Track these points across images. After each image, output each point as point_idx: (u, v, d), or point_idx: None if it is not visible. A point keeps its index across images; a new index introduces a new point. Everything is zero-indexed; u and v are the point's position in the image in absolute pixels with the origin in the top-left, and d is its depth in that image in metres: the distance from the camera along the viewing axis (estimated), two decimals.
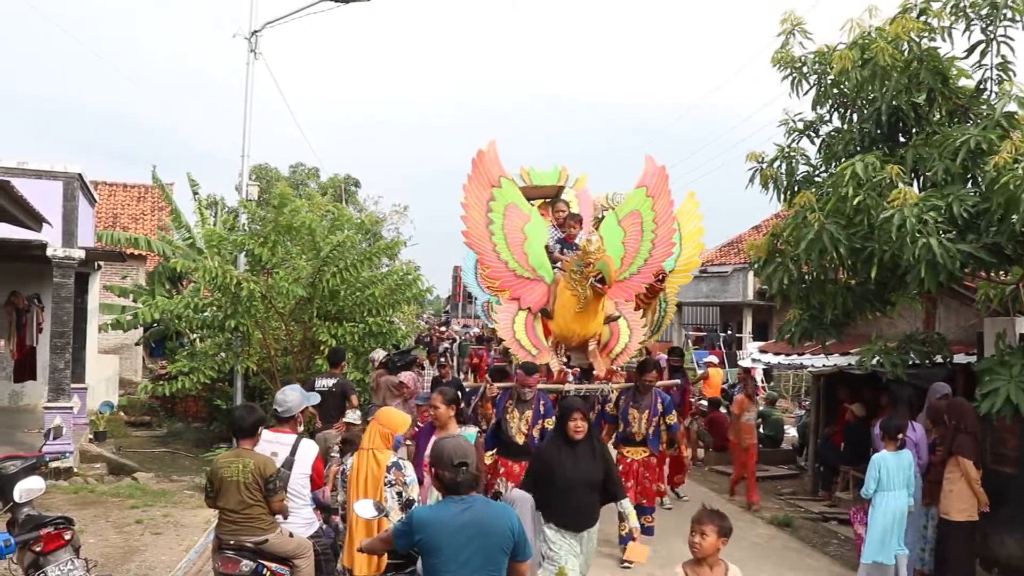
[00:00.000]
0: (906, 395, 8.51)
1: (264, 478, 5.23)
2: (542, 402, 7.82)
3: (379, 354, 11.39)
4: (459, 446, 3.84)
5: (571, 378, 8.51)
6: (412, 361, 11.05)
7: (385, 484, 5.14)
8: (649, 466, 8.71)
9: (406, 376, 10.33)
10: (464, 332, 33.89)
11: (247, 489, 5.21)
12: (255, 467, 5.24)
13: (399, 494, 5.15)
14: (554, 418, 6.97)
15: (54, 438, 7.67)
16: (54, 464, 10.57)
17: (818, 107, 8.84)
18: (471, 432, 6.89)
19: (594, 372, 8.73)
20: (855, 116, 8.62)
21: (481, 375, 17.58)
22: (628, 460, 8.60)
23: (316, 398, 6.41)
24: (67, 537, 5.66)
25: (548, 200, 10.46)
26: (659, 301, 10.19)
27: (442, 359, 13.16)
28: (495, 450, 7.92)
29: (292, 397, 5.97)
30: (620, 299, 9.01)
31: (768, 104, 61.97)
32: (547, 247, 8.91)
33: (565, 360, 8.99)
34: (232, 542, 5.29)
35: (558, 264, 8.68)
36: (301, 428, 6.25)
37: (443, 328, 34.94)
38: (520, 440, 7.74)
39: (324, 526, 6.34)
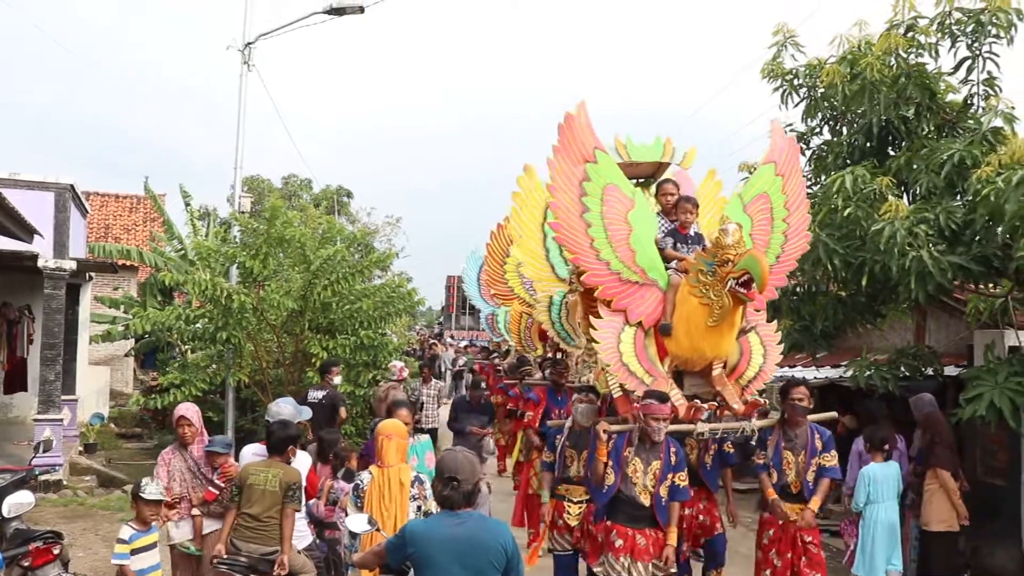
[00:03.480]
0: (882, 410, 8.53)
1: (288, 486, 5.45)
2: (672, 449, 5.96)
3: (398, 365, 11.38)
4: (455, 460, 3.81)
5: (704, 415, 6.11)
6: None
7: (410, 499, 5.21)
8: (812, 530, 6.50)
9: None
10: (455, 344, 33.30)
11: (271, 497, 5.41)
12: (283, 476, 5.47)
13: (419, 508, 5.21)
14: (685, 471, 5.89)
15: (43, 451, 7.66)
16: (43, 477, 10.51)
17: (808, 119, 8.94)
18: (424, 440, 6.88)
19: (722, 404, 6.41)
20: (845, 129, 8.71)
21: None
22: (779, 522, 6.48)
23: (308, 412, 6.46)
24: (56, 552, 5.66)
25: (642, 181, 8.13)
26: None
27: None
28: (601, 513, 6.07)
29: (286, 410, 6.03)
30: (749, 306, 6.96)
31: (760, 116, 62.28)
32: (656, 241, 6.69)
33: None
34: (242, 551, 5.40)
35: (672, 263, 6.54)
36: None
37: (435, 340, 34.72)
38: (645, 500, 5.81)
39: (317, 540, 6.33)
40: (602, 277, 6.17)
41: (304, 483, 5.81)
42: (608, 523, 5.91)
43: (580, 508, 6.89)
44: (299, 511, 5.64)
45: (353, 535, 5.03)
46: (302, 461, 5.94)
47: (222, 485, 5.93)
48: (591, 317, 6.37)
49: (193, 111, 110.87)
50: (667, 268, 6.41)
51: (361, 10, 13.20)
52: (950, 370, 8.58)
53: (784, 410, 6.66)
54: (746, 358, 6.53)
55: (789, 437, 6.53)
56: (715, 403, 6.18)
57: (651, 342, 6.26)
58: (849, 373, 8.25)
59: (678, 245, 6.55)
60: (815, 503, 6.38)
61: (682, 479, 5.88)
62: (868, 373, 8.11)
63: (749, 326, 6.52)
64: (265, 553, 5.39)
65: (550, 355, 10.75)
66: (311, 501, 6.24)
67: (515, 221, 8.02)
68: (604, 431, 5.89)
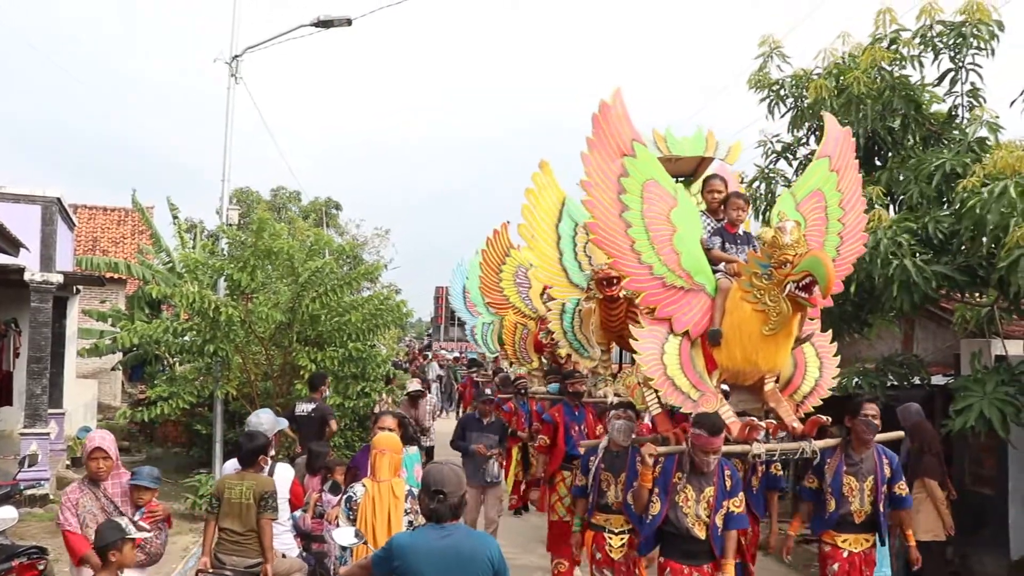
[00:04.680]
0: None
1: (260, 496, 5.41)
2: (727, 471, 5.35)
3: (414, 385, 11.30)
4: (441, 473, 3.79)
5: (760, 435, 5.57)
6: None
7: (404, 512, 5.19)
8: (870, 561, 5.89)
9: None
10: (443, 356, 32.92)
11: (248, 510, 5.39)
12: (256, 488, 5.43)
13: (410, 523, 5.19)
14: (740, 496, 5.40)
15: (29, 466, 7.60)
16: (29, 492, 10.42)
17: (795, 130, 8.99)
18: (413, 452, 6.82)
19: (773, 421, 5.80)
20: None
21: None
22: (843, 554, 5.80)
23: (284, 423, 6.46)
24: (41, 567, 5.64)
25: (683, 179, 7.51)
26: None
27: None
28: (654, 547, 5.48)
29: (265, 419, 6.03)
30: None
31: (746, 127, 62.55)
32: (701, 242, 6.02)
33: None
34: (226, 564, 5.38)
35: (720, 266, 5.95)
36: (273, 452, 6.29)
37: (426, 352, 34.53)
38: (700, 532, 5.22)
39: (304, 553, 6.31)
40: (644, 282, 5.62)
41: (279, 492, 5.78)
42: (661, 560, 5.38)
43: (622, 539, 6.26)
44: (275, 519, 5.61)
45: (344, 547, 5.01)
46: (283, 474, 5.92)
47: (148, 529, 5.07)
48: (631, 326, 5.88)
49: (182, 123, 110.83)
50: (715, 271, 5.86)
51: (349, 23, 13.23)
52: (937, 379, 8.62)
53: (849, 429, 5.87)
54: (800, 371, 6.02)
55: (852, 460, 5.77)
56: (772, 421, 5.63)
57: (698, 353, 5.67)
58: (835, 382, 8.20)
59: (726, 245, 5.98)
60: (911, 539, 5.96)
61: (737, 505, 5.33)
62: (856, 380, 8.14)
63: (806, 335, 5.89)
64: (249, 565, 5.41)
65: (552, 366, 10.63)
66: (296, 513, 6.21)
67: (528, 220, 7.66)
68: (651, 455, 5.30)
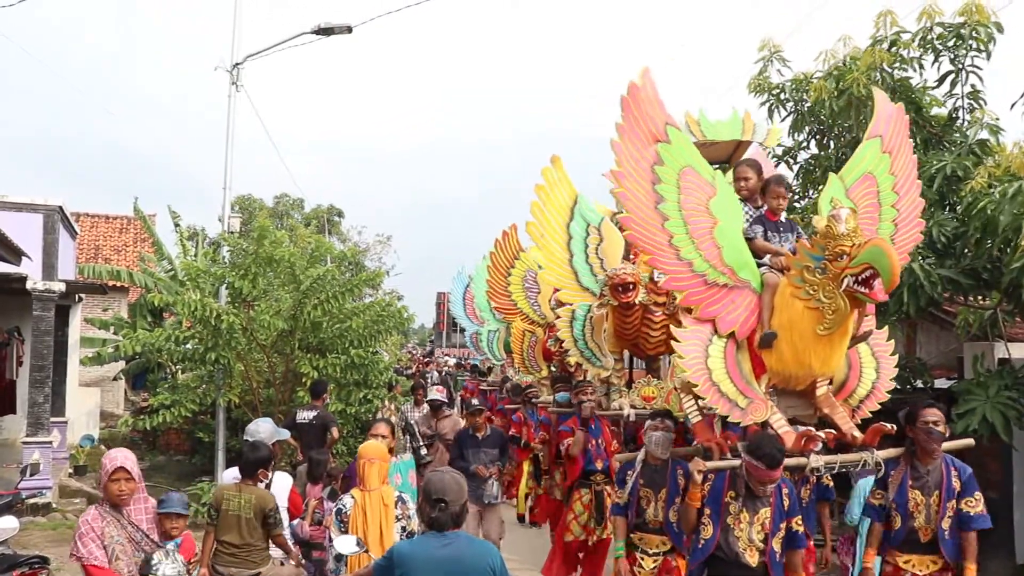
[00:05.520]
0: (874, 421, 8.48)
1: (264, 513, 5.35)
2: (784, 490, 4.81)
3: (434, 394, 10.50)
4: (442, 482, 3.78)
5: (818, 446, 5.03)
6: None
7: (396, 519, 5.19)
8: None
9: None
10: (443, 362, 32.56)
11: (247, 524, 5.33)
12: (256, 502, 5.36)
13: (403, 528, 5.17)
14: (800, 517, 4.90)
15: (31, 475, 7.60)
16: (32, 501, 10.43)
17: (795, 133, 8.98)
18: (408, 458, 6.75)
19: (832, 431, 5.22)
20: (832, 143, 8.76)
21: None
22: None
23: (286, 433, 6.43)
24: None
25: (718, 165, 6.70)
26: None
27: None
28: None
29: (264, 428, 5.99)
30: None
31: None
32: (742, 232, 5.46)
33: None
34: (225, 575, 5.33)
35: (765, 259, 5.43)
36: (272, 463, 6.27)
37: (428, 359, 34.42)
38: (752, 559, 4.70)
39: (304, 561, 6.28)
40: (684, 280, 5.13)
41: (280, 505, 5.77)
42: None
43: (656, 561, 5.77)
44: (283, 532, 5.60)
45: (338, 558, 4.99)
46: (280, 483, 5.90)
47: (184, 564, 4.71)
48: (672, 328, 5.40)
49: (184, 131, 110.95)
50: (759, 265, 5.34)
51: (349, 30, 13.25)
52: (940, 382, 8.59)
53: (912, 438, 5.22)
54: (855, 373, 5.49)
55: (918, 473, 5.15)
56: (830, 431, 5.10)
57: (744, 357, 5.17)
58: (893, 384, 8.01)
59: (769, 234, 5.52)
60: (971, 573, 5.02)
61: (799, 523, 4.81)
62: None
63: (863, 333, 5.29)
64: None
65: (562, 374, 9.99)
66: (294, 521, 6.19)
67: (537, 218, 7.26)
68: (700, 471, 4.77)
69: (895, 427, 5.10)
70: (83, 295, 15.13)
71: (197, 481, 11.64)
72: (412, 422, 7.06)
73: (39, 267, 11.21)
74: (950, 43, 7.60)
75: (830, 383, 5.25)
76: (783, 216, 5.52)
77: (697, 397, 5.18)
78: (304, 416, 9.12)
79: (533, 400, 11.02)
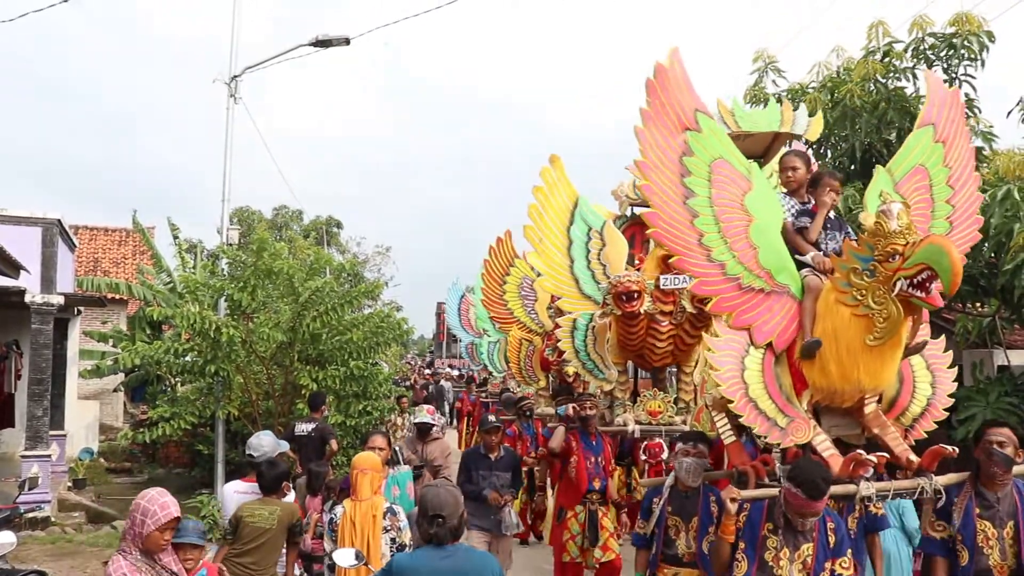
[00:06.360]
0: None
1: (290, 523, 5.44)
2: (830, 524, 4.28)
3: (423, 415, 9.65)
4: (438, 496, 3.79)
5: (868, 472, 4.40)
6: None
7: (383, 531, 5.19)
8: None
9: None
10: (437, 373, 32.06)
11: (271, 535, 5.36)
12: (281, 514, 5.41)
13: (392, 540, 5.17)
14: (849, 555, 4.28)
15: (29, 488, 7.59)
16: (31, 514, 10.40)
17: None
18: (406, 470, 6.71)
19: (885, 455, 4.52)
20: (829, 152, 8.79)
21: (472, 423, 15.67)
22: None
23: (286, 445, 6.44)
24: None
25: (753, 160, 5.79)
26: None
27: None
28: None
29: (266, 442, 6.00)
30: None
31: None
32: (785, 227, 4.88)
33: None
34: None
35: (809, 259, 4.81)
36: None
37: (425, 371, 34.31)
38: None
39: (304, 574, 6.29)
40: (715, 284, 4.58)
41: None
42: None
43: None
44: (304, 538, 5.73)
45: (331, 568, 4.99)
46: (287, 497, 5.93)
47: None
48: (706, 336, 4.98)
49: (182, 143, 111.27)
50: (799, 266, 4.78)
51: (347, 42, 13.28)
52: None
53: (978, 461, 4.52)
54: (908, 388, 4.90)
55: (986, 501, 4.41)
56: (883, 455, 4.44)
57: (784, 370, 4.62)
58: (951, 401, 7.79)
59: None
60: None
61: (845, 566, 4.22)
62: None
63: (917, 344, 4.66)
64: None
65: (561, 386, 9.76)
66: None
67: (535, 222, 6.93)
68: (733, 499, 4.26)
69: (956, 450, 4.50)
70: (82, 308, 15.13)
71: (197, 494, 11.61)
72: (395, 448, 6.51)
73: (38, 280, 11.22)
74: (942, 53, 7.66)
75: (880, 400, 4.72)
76: (832, 213, 4.98)
77: (732, 415, 4.66)
78: (303, 428, 9.11)
79: (528, 412, 10.75)
